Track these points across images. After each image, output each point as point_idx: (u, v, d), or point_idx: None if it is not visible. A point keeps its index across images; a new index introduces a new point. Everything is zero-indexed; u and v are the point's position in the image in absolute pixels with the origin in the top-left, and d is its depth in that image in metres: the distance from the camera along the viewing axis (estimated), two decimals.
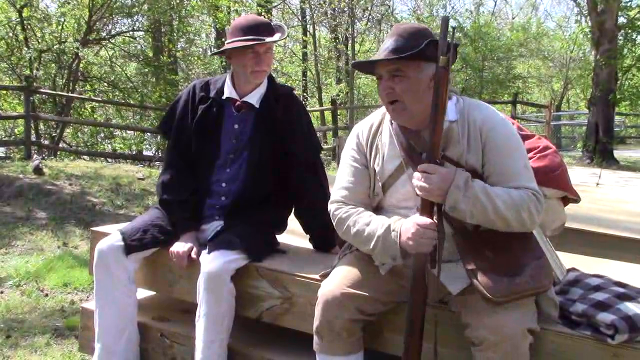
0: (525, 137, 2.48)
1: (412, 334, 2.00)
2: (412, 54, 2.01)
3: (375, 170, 2.22)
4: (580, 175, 9.70)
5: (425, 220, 1.97)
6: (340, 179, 2.30)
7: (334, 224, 2.27)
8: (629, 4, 15.82)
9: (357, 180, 2.26)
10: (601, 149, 14.76)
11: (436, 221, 1.99)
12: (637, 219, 3.88)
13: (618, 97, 15.56)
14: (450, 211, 1.98)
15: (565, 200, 2.71)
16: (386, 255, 2.09)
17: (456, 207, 1.96)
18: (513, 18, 34.69)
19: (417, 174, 1.98)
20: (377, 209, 2.27)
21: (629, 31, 16.19)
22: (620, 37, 15.82)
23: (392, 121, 2.21)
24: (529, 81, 30.96)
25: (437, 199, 1.97)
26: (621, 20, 15.67)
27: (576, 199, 2.72)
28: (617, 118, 19.67)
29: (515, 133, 2.15)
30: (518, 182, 2.03)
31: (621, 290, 2.11)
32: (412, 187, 2.05)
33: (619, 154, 16.51)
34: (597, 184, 7.87)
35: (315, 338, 2.16)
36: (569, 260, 2.57)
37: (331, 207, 2.28)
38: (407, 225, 2.01)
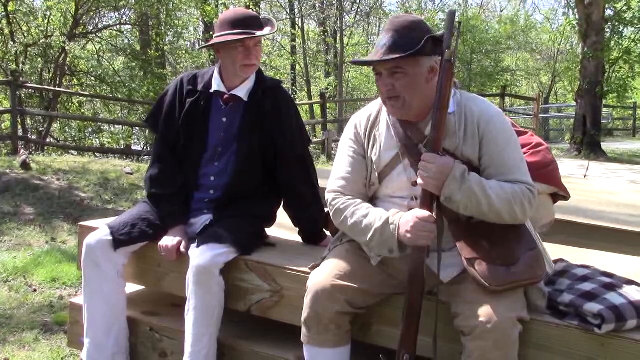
0: (518, 134, 2.50)
1: (409, 326, 2.01)
2: (412, 53, 2.02)
3: (372, 160, 2.23)
4: (568, 167, 9.77)
5: (425, 213, 2.00)
6: (338, 168, 2.30)
7: (331, 213, 2.27)
8: None
9: (354, 170, 2.26)
10: (589, 141, 14.83)
11: (435, 215, 2.02)
12: (624, 210, 3.91)
13: (605, 89, 15.63)
14: (446, 202, 2.01)
15: (555, 198, 2.73)
16: (383, 248, 2.09)
17: (452, 199, 1.99)
18: (501, 11, 34.78)
19: (420, 164, 2.01)
20: (373, 199, 2.29)
21: (616, 23, 16.27)
22: (608, 30, 15.88)
23: None
24: (517, 74, 31.13)
25: (434, 189, 2.00)
26: (608, 12, 15.74)
27: (566, 196, 2.74)
28: (604, 110, 19.77)
29: (510, 126, 2.19)
30: (514, 175, 2.07)
31: (608, 280, 2.13)
32: (408, 177, 2.12)
33: (607, 146, 16.61)
34: (585, 175, 7.95)
35: (303, 329, 2.17)
36: (556, 251, 2.59)
37: (328, 196, 2.28)
38: (406, 218, 2.03)
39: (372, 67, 2.20)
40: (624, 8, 16.07)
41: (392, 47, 2.05)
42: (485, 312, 1.89)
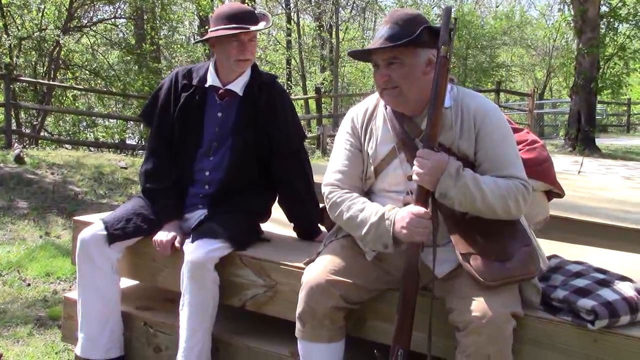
0: (514, 131, 2.50)
1: (404, 321, 2.01)
2: (408, 41, 2.03)
3: (368, 154, 2.24)
4: (563, 163, 9.80)
5: (420, 209, 2.00)
6: (335, 162, 2.30)
7: (327, 207, 2.27)
8: None
9: (351, 163, 2.26)
10: (583, 137, 14.88)
11: (430, 211, 2.02)
12: (618, 206, 3.92)
13: (600, 85, 15.68)
14: (440, 198, 2.01)
15: (550, 195, 2.74)
16: (378, 243, 2.09)
17: (446, 195, 2.00)
18: (497, 6, 34.76)
19: (415, 160, 2.02)
20: (368, 193, 2.29)
21: (611, 20, 16.32)
22: (603, 26, 15.92)
23: (387, 106, 2.23)
24: (512, 69, 31.18)
25: (429, 185, 2.00)
26: (603, 8, 15.77)
27: (560, 194, 2.74)
28: (599, 106, 19.80)
29: (506, 122, 2.21)
30: (509, 170, 2.08)
31: (601, 276, 2.13)
32: (404, 171, 2.13)
33: (601, 142, 16.67)
34: (579, 171, 7.96)
35: (297, 324, 2.17)
36: (550, 247, 2.60)
37: (325, 189, 2.28)
38: (402, 214, 2.03)
39: (371, 60, 2.20)
40: (619, 4, 16.10)
41: (390, 37, 2.07)
42: (479, 307, 1.90)
